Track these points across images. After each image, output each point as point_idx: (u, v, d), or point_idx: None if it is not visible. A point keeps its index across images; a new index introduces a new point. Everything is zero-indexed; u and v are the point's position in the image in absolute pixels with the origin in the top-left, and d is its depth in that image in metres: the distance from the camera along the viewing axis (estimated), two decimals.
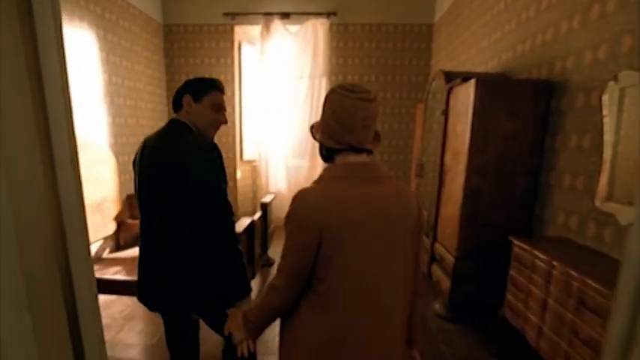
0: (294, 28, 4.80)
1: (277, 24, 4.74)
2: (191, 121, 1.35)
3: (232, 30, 4.87)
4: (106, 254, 3.70)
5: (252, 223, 2.81)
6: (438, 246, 2.83)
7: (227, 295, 1.26)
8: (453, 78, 2.68)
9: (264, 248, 3.51)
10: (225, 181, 1.31)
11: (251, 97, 5.21)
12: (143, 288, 1.39)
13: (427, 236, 3.09)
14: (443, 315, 2.72)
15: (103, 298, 2.71)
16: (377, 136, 0.96)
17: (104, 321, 2.46)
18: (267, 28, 4.76)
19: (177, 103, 1.38)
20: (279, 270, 0.91)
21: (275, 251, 3.98)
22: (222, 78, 4.93)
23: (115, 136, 3.88)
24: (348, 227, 0.84)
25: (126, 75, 4.07)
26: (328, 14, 4.64)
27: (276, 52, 4.84)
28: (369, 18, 4.70)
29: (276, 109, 5.00)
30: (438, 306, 2.81)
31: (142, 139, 1.45)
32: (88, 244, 0.81)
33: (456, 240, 2.44)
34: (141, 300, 1.41)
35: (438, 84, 3.05)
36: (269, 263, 3.68)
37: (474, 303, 2.54)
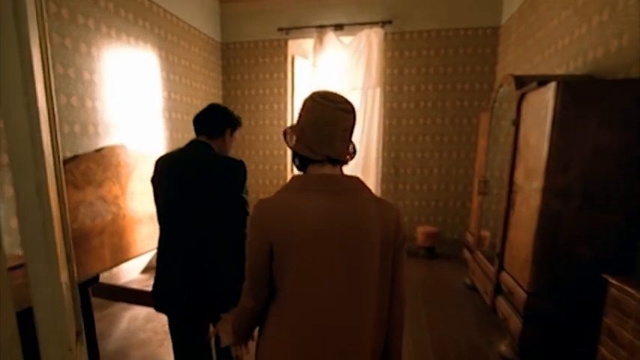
0: (347, 39, 4.69)
1: (330, 36, 4.67)
2: (218, 146, 1.50)
3: (286, 44, 4.90)
4: None
5: None
6: (505, 276, 2.43)
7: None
8: (525, 83, 2.31)
9: None
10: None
11: None
12: (165, 292, 1.43)
13: (490, 261, 2.69)
14: (510, 358, 2.31)
15: (146, 310, 2.75)
16: (353, 149, 0.93)
17: (146, 335, 2.47)
18: (320, 40, 4.71)
19: (218, 131, 1.51)
20: (245, 273, 0.90)
21: None
22: (275, 92, 4.97)
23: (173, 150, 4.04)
24: (298, 241, 0.80)
25: (184, 91, 4.27)
26: (383, 23, 4.45)
27: (328, 64, 4.75)
28: (426, 24, 4.42)
29: None
30: (504, 347, 2.40)
31: None
32: None
33: (529, 272, 2.05)
34: (160, 303, 1.45)
35: (507, 90, 2.68)
36: None
37: (550, 349, 2.10)
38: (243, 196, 1.40)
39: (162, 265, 1.44)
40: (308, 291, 0.82)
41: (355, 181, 0.89)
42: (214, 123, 1.50)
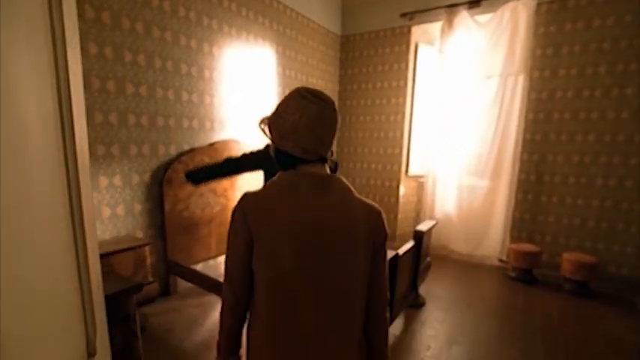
0: (483, 18, 3.90)
1: (463, 15, 3.96)
2: None
3: (409, 31, 4.41)
4: None
5: (395, 257, 2.28)
6: None
7: None
8: None
9: (414, 285, 2.87)
10: None
11: (424, 103, 4.59)
12: None
13: None
14: None
15: None
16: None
17: None
18: (449, 22, 4.05)
19: None
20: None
21: (426, 289, 3.26)
22: (393, 85, 4.55)
23: None
24: (287, 237, 0.81)
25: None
26: None
27: (458, 49, 4.06)
28: None
29: (453, 117, 4.20)
30: None
31: None
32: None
33: None
34: None
35: None
36: (418, 303, 3.01)
37: None
38: None
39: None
40: (284, 284, 0.82)
41: (340, 180, 0.89)
42: None
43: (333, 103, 0.84)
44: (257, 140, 3.70)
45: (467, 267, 4.01)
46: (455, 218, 4.25)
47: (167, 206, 2.78)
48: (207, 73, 3.09)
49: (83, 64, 2.26)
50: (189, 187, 2.92)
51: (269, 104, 3.82)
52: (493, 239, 4.04)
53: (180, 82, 2.88)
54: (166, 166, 2.80)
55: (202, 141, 3.12)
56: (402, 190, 4.63)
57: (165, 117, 2.80)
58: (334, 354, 0.85)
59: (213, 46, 3.13)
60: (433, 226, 3.10)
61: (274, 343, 0.85)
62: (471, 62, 4.00)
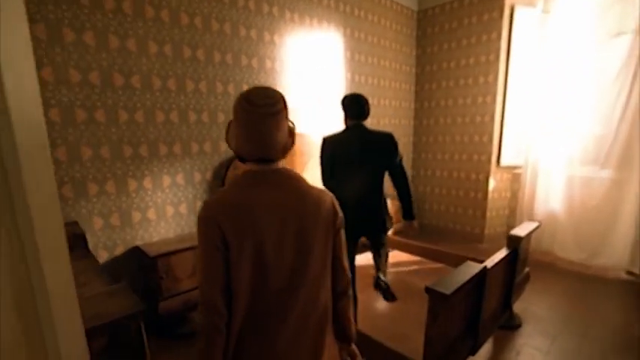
0: None
1: None
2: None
3: None
4: None
5: (483, 271, 1.83)
6: None
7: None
8: None
9: (507, 302, 2.35)
10: None
11: (521, 79, 3.81)
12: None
13: None
14: None
15: None
16: (292, 134, 0.93)
17: None
18: None
19: (368, 113, 2.05)
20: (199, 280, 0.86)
21: (523, 307, 2.67)
22: (482, 60, 3.88)
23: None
24: (251, 234, 0.82)
25: (370, 72, 3.90)
26: None
27: (570, 3, 3.23)
28: None
29: (561, 92, 3.40)
30: None
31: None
32: None
33: None
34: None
35: None
36: (513, 325, 2.46)
37: None
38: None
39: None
40: (261, 279, 0.83)
41: (292, 173, 0.91)
42: (367, 109, 2.04)
43: (270, 105, 0.82)
44: (325, 133, 3.47)
45: (580, 280, 3.22)
46: (563, 218, 3.46)
47: None
48: (268, 64, 2.95)
49: (145, 64, 2.28)
50: None
51: (337, 92, 3.55)
52: (618, 245, 3.17)
53: (241, 75, 2.79)
54: (228, 163, 2.74)
55: None
56: (491, 184, 3.96)
57: (226, 112, 2.73)
58: (309, 334, 0.89)
59: (275, 34, 2.97)
60: (534, 230, 2.50)
61: (256, 330, 0.85)
62: (588, 18, 3.15)
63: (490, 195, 3.97)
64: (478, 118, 3.99)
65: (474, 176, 4.09)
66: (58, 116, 1.99)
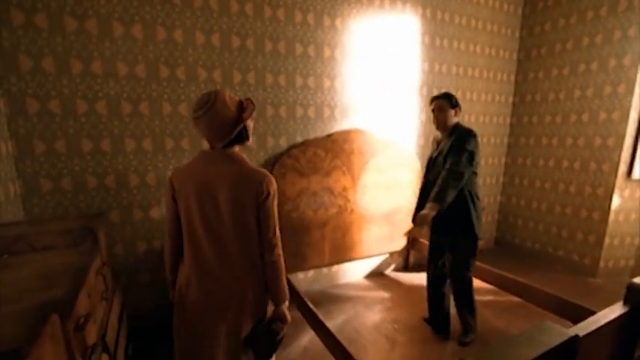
0: None
1: None
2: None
3: None
4: (389, 271, 3.27)
5: (572, 341, 1.24)
6: None
7: None
8: None
9: None
10: None
11: None
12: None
13: None
14: None
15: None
16: (235, 134, 1.16)
17: None
18: None
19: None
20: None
21: None
22: (616, 37, 2.95)
23: (427, 135, 3.25)
24: (186, 193, 1.17)
25: (454, 59, 3.28)
26: None
27: None
28: None
29: None
30: None
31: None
32: None
33: None
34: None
35: None
36: None
37: None
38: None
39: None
40: (191, 226, 1.19)
41: (233, 156, 1.17)
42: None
43: (199, 109, 1.11)
44: (392, 131, 3.04)
45: None
46: None
47: None
48: (327, 52, 2.64)
49: (190, 55, 2.20)
50: (300, 184, 2.60)
51: (409, 85, 3.07)
52: None
53: (294, 65, 2.55)
54: (274, 160, 2.55)
55: (320, 131, 2.72)
56: (615, 202, 2.99)
57: (275, 106, 2.53)
58: (224, 278, 1.19)
59: (337, 18, 2.64)
60: None
61: (192, 267, 1.21)
62: None
63: (612, 216, 3.01)
64: (602, 115, 3.04)
65: (588, 190, 3.15)
66: (105, 109, 2.04)
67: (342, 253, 2.86)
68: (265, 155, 2.56)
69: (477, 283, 2.70)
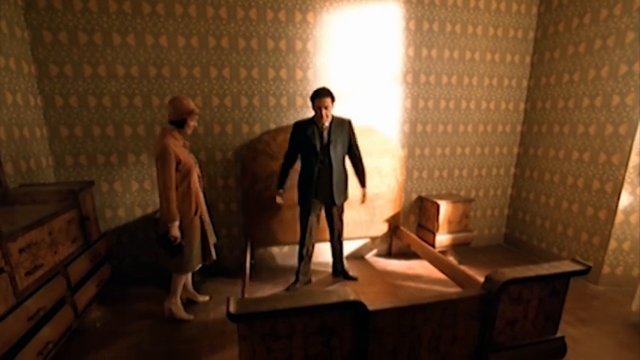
0: None
1: None
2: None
3: None
4: (369, 256, 3.34)
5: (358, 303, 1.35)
6: None
7: None
8: None
9: None
10: None
11: None
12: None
13: None
14: None
15: None
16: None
17: None
18: None
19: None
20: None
21: None
22: (636, 5, 2.52)
23: (413, 122, 3.21)
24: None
25: (445, 44, 3.15)
26: None
27: None
28: None
29: None
30: None
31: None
32: None
33: None
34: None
35: None
36: None
37: None
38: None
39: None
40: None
41: (163, 130, 2.14)
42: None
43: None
44: (369, 119, 3.11)
45: None
46: None
47: (245, 184, 2.89)
48: (299, 45, 2.86)
49: (174, 56, 2.66)
50: (271, 167, 2.89)
51: (392, 71, 3.08)
52: None
53: (267, 59, 2.83)
54: (249, 145, 2.89)
55: (293, 119, 2.96)
56: (624, 199, 2.57)
57: (249, 96, 2.86)
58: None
59: (308, 13, 2.83)
60: None
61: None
62: None
63: (619, 216, 2.60)
64: (616, 99, 2.63)
65: (596, 185, 2.76)
66: (109, 102, 2.63)
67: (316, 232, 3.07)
68: (241, 141, 2.92)
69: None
